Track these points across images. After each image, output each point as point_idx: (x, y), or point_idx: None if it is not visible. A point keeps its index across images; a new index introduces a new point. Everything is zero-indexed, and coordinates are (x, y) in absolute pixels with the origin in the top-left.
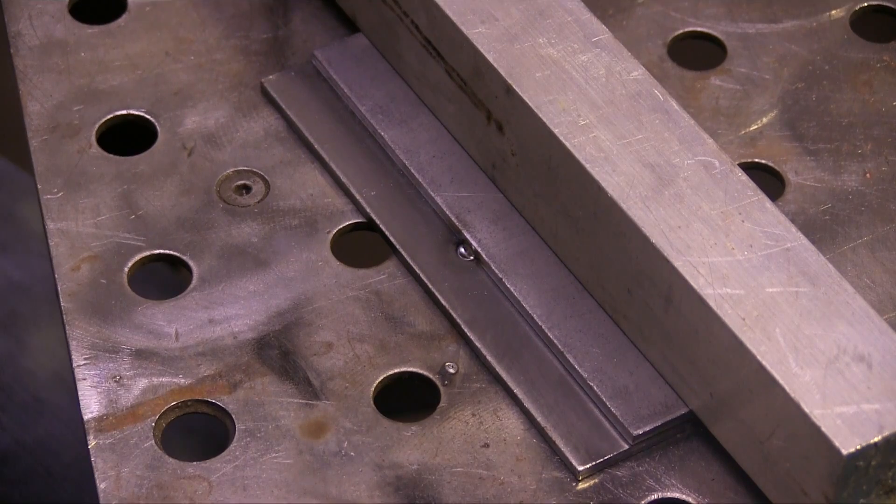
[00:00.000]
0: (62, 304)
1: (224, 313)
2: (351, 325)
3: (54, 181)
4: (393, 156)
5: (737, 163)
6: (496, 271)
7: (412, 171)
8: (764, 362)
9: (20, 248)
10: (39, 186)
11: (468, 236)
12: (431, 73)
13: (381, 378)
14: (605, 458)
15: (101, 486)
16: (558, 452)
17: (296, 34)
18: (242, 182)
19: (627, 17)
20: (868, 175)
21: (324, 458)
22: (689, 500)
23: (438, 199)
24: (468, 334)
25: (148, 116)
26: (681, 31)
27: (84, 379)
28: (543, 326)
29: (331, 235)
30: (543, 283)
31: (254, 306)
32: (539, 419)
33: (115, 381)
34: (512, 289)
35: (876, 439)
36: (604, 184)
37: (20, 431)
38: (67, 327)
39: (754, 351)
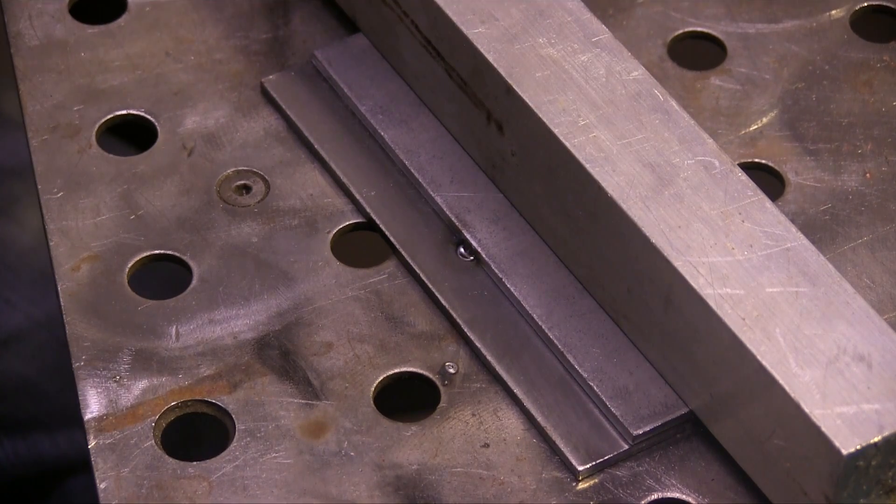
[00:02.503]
0: (62, 303)
1: (224, 313)
2: (351, 325)
3: (54, 181)
4: (393, 156)
5: (737, 163)
6: (496, 271)
7: (412, 171)
8: (764, 362)
9: (8, 135)
10: (39, 186)
11: (468, 236)
12: (431, 73)
13: (381, 378)
14: (605, 458)
15: (101, 486)
16: (558, 452)
17: (296, 34)
18: (242, 182)
19: (627, 17)
20: (868, 175)
21: (324, 458)
22: (689, 500)
23: (438, 199)
24: (468, 334)
25: (148, 116)
26: (681, 31)
27: (84, 379)
28: (543, 326)
29: (331, 235)
30: (543, 283)
31: (254, 306)
32: (539, 419)
33: (115, 381)
34: (512, 289)
35: (876, 439)
36: (604, 184)
37: (30, 307)
38: (67, 327)
39: (754, 351)
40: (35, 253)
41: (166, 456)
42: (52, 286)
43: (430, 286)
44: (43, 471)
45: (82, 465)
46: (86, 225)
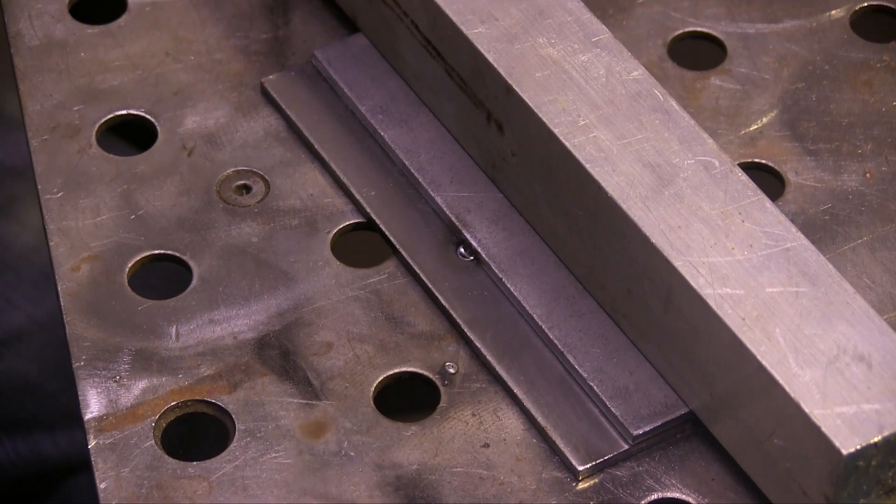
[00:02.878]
0: (62, 303)
1: (224, 313)
2: (351, 325)
3: (54, 181)
4: (393, 156)
5: (737, 163)
6: (496, 271)
7: (412, 171)
8: (764, 362)
9: (9, 135)
10: (39, 186)
11: (468, 236)
12: (431, 73)
13: (381, 378)
14: (605, 458)
15: (101, 486)
16: (558, 452)
17: (296, 34)
18: (242, 182)
19: (627, 17)
20: (868, 175)
21: (324, 458)
22: (689, 500)
23: (438, 199)
24: (468, 334)
25: (148, 116)
26: (681, 31)
27: (84, 379)
28: (543, 326)
29: (331, 235)
30: (543, 283)
31: (254, 306)
32: (539, 419)
33: (115, 381)
34: (512, 289)
35: (876, 439)
36: (604, 184)
37: (31, 307)
38: (67, 327)
39: (754, 351)
40: (36, 252)
41: (166, 456)
42: (53, 286)
43: (430, 286)
44: (43, 470)
45: (83, 465)
46: (86, 225)
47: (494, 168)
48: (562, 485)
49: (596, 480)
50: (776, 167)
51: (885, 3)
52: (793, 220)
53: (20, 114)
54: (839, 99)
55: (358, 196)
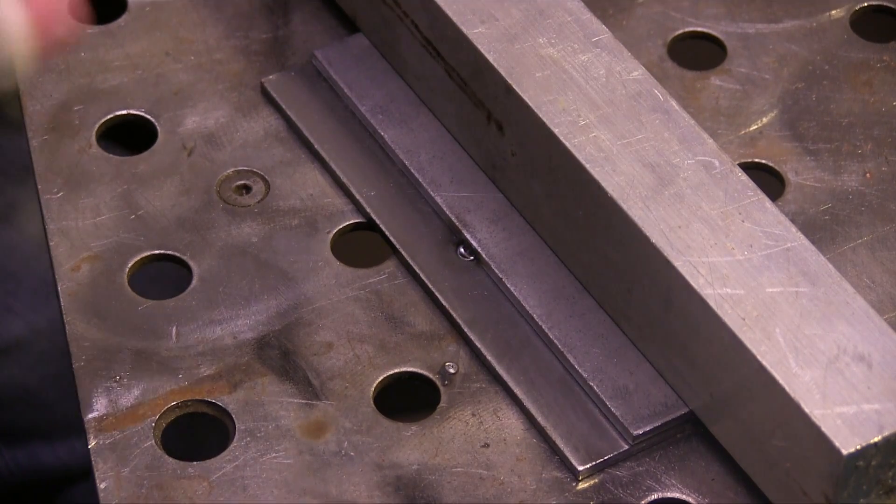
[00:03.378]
0: (62, 304)
1: (224, 313)
2: (351, 325)
3: (54, 181)
4: (393, 156)
5: (737, 163)
6: (496, 271)
7: (412, 171)
8: (764, 362)
9: (10, 142)
10: (39, 186)
11: (468, 236)
12: (431, 73)
13: (381, 378)
14: (605, 458)
15: (101, 486)
16: (558, 452)
17: (296, 34)
18: (242, 182)
19: (627, 17)
20: (868, 175)
21: (324, 458)
22: (689, 500)
23: (438, 199)
24: (468, 334)
25: (148, 116)
26: (681, 31)
27: (84, 379)
28: (543, 326)
29: (331, 235)
30: (543, 283)
31: (254, 306)
32: (539, 419)
33: (115, 381)
34: (512, 289)
35: (876, 439)
36: (604, 184)
37: (32, 315)
38: (67, 327)
39: (754, 351)
40: (37, 260)
41: (166, 456)
42: (53, 294)
43: (430, 286)
44: (43, 480)
45: (82, 475)
46: (86, 225)
47: (494, 168)
48: (562, 485)
49: (596, 480)
50: (776, 167)
51: (885, 3)
52: (793, 220)
53: (20, 114)
54: (839, 99)
55: (358, 196)
